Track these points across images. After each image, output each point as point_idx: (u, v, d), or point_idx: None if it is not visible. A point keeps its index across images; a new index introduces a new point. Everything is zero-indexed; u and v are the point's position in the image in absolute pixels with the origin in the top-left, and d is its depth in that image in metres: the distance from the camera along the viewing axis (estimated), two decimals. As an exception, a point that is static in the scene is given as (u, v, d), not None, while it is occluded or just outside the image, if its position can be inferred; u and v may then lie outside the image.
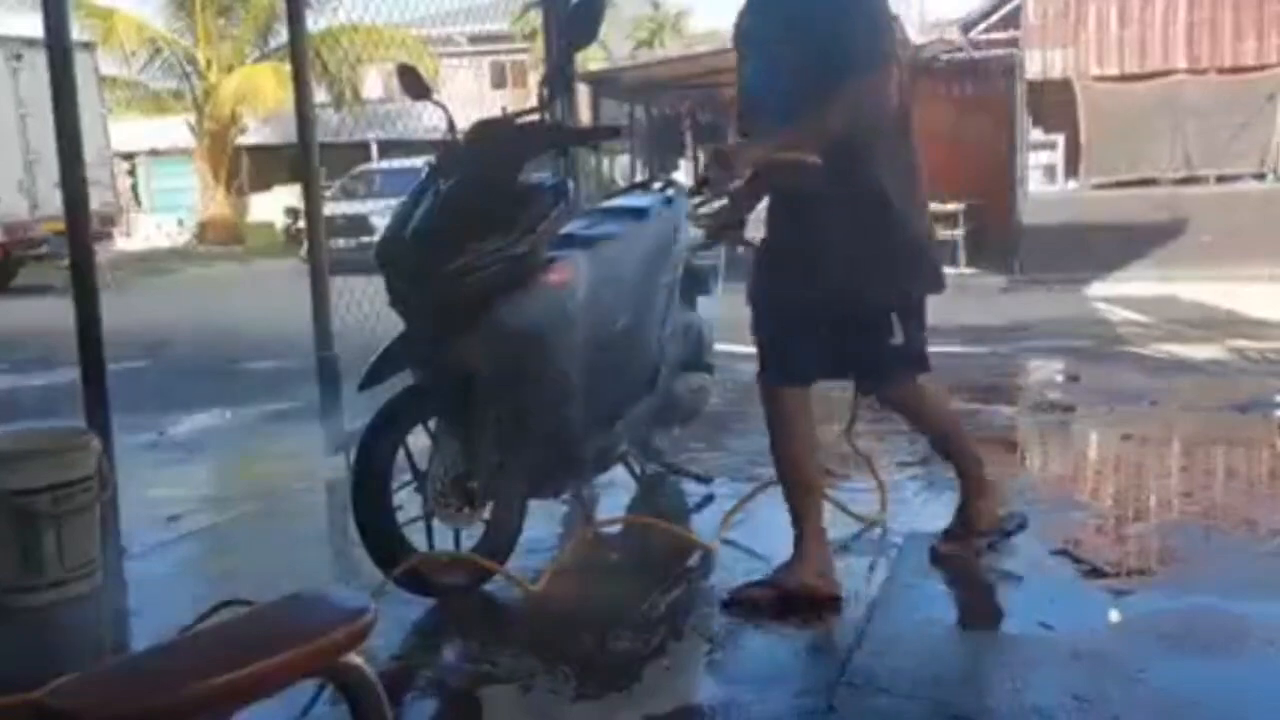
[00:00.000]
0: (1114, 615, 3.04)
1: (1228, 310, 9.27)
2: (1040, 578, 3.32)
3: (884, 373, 3.19)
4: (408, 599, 3.16)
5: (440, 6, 25.05)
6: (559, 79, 3.90)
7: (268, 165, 25.39)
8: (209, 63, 23.97)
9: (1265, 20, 13.26)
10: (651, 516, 3.89)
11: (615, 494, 4.25)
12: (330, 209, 7.75)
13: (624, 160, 17.02)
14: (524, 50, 27.14)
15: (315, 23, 14.51)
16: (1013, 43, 14.22)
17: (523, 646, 2.92)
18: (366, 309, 4.96)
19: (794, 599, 3.07)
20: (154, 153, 28.27)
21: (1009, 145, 13.80)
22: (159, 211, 28.21)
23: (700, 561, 3.55)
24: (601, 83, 15.38)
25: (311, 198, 5.05)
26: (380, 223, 12.30)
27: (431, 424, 3.28)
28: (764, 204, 3.26)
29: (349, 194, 19.08)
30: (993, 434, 5.33)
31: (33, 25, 4.51)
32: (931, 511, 3.91)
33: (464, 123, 3.34)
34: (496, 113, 3.36)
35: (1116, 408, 5.71)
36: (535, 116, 3.32)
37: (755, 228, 3.30)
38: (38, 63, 7.82)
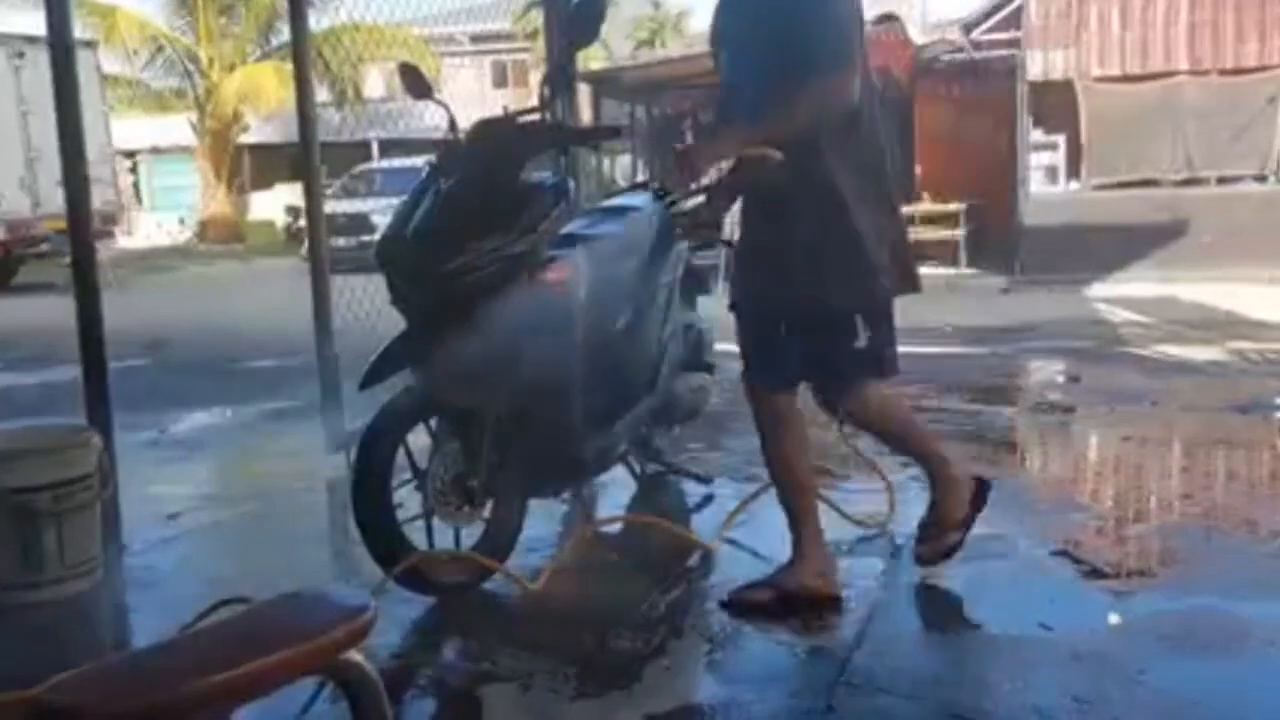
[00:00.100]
0: (1114, 616, 3.04)
1: (1228, 311, 9.27)
2: (1040, 578, 3.32)
3: (843, 377, 3.08)
4: (408, 597, 3.16)
5: (442, 5, 25.06)
6: (560, 78, 3.91)
7: (269, 164, 25.42)
8: (211, 61, 23.98)
9: (1267, 22, 13.24)
10: (651, 516, 3.89)
11: (615, 494, 4.25)
12: (331, 207, 7.75)
13: (624, 160, 17.02)
14: (525, 49, 27.15)
15: (317, 21, 14.53)
16: (1014, 43, 14.21)
17: (523, 646, 2.92)
18: (367, 308, 4.96)
19: (794, 600, 3.07)
20: (155, 151, 28.30)
21: (1010, 146, 13.79)
22: (160, 209, 28.24)
23: (700, 561, 3.55)
24: (602, 82, 15.38)
25: (312, 196, 5.05)
26: (381, 221, 12.32)
27: (432, 423, 3.28)
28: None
29: (350, 193, 19.09)
30: (993, 434, 5.33)
31: (35, 23, 4.51)
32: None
33: (465, 122, 3.34)
34: (498, 112, 3.36)
35: (1117, 408, 5.71)
36: (536, 116, 3.32)
37: (735, 228, 3.29)
38: (40, 61, 7.84)
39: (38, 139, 13.74)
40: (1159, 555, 3.64)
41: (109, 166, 15.86)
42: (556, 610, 3.20)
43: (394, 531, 3.18)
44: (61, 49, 3.71)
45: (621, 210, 3.86)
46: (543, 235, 3.24)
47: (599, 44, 16.89)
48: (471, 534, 3.34)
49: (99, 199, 7.78)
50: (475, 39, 28.91)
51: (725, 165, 3.13)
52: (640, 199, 3.96)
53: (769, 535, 3.39)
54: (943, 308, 10.52)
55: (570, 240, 3.47)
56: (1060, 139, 14.09)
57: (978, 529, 3.79)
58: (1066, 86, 13.71)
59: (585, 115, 12.41)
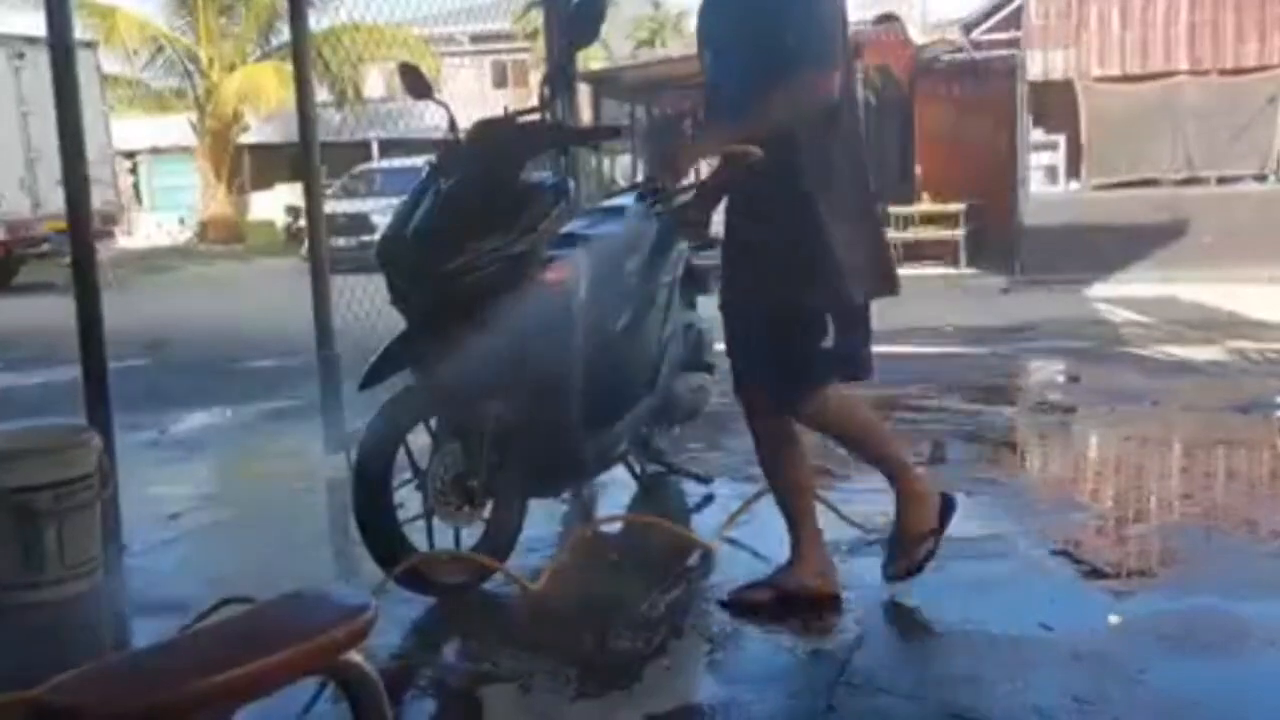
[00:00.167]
0: (1114, 616, 3.04)
1: (1228, 311, 9.27)
2: (1040, 578, 3.32)
3: (804, 378, 3.00)
4: (408, 598, 3.16)
5: (442, 5, 25.06)
6: (560, 78, 3.91)
7: (269, 164, 25.42)
8: (211, 61, 23.98)
9: (1267, 22, 13.24)
10: (651, 516, 3.89)
11: (615, 494, 4.25)
12: (331, 207, 7.76)
13: (625, 160, 17.02)
14: (525, 49, 27.14)
15: (317, 21, 14.51)
16: (1014, 43, 14.21)
17: (523, 646, 2.92)
18: (367, 308, 4.96)
19: (794, 600, 3.07)
20: (155, 151, 28.31)
21: (1010, 146, 13.80)
22: (160, 210, 28.25)
23: (700, 561, 3.55)
24: (602, 82, 15.38)
25: (312, 196, 5.05)
26: (381, 221, 12.32)
27: (432, 423, 3.28)
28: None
29: (350, 193, 19.10)
30: (993, 434, 5.33)
31: (35, 24, 4.51)
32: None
33: (465, 122, 3.34)
34: (498, 112, 3.36)
35: (1117, 408, 5.71)
36: (536, 116, 3.32)
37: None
38: (40, 61, 7.85)
39: (38, 139, 13.74)
40: (1159, 555, 3.64)
41: (109, 167, 15.86)
42: (556, 610, 3.20)
43: (394, 532, 3.18)
44: (61, 49, 3.71)
45: (621, 210, 3.86)
46: (543, 235, 3.24)
47: (599, 44, 16.88)
48: (472, 534, 3.34)
49: (99, 199, 7.77)
50: (475, 39, 28.92)
51: (711, 164, 3.13)
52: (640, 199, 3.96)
53: (769, 536, 3.39)
54: (943, 307, 10.52)
55: (570, 240, 3.47)
56: (1060, 139, 14.09)
57: (978, 528, 3.80)
58: (1066, 86, 13.71)
59: (585, 115, 12.41)
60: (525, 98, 12.95)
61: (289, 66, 5.68)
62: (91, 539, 3.39)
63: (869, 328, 3.13)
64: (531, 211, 3.21)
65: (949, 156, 14.77)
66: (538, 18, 18.35)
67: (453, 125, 3.32)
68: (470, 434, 3.22)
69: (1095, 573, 3.34)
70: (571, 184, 3.64)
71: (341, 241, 12.54)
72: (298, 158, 5.03)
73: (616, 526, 4.00)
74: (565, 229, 3.47)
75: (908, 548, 3.14)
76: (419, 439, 3.27)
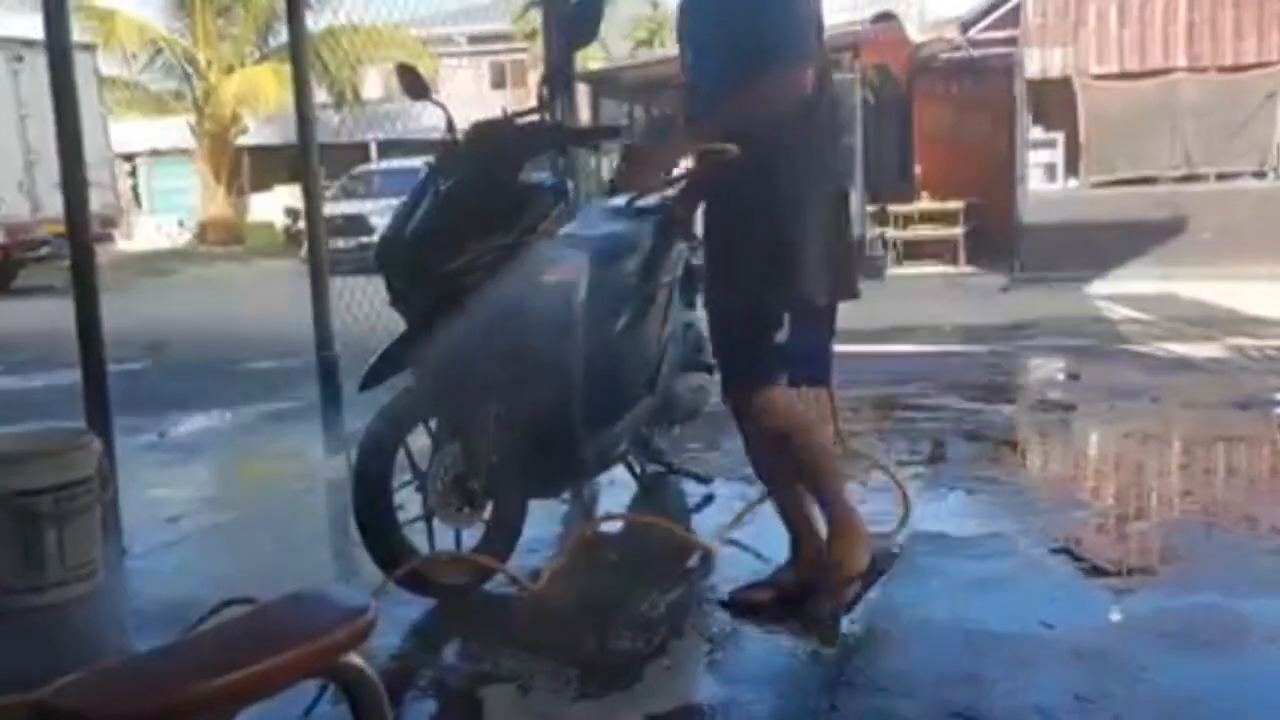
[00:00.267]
0: (1115, 614, 3.05)
1: (1228, 308, 9.28)
2: (1041, 576, 3.32)
3: (751, 370, 2.96)
4: (408, 599, 3.16)
5: (440, 6, 25.07)
6: (559, 79, 3.91)
7: (268, 165, 25.41)
8: (209, 63, 23.98)
9: (1265, 19, 13.25)
10: (651, 516, 3.89)
11: (615, 494, 4.26)
12: (330, 209, 7.75)
13: (624, 160, 16.99)
14: (523, 50, 27.14)
15: (315, 23, 14.52)
16: (1012, 41, 14.21)
17: (523, 647, 2.92)
18: (366, 309, 4.96)
19: (794, 600, 3.07)
20: (154, 153, 28.30)
21: (1009, 143, 13.81)
22: (159, 212, 28.24)
23: (700, 561, 3.55)
24: (601, 82, 15.39)
25: (311, 198, 5.06)
26: (380, 223, 12.29)
27: (431, 424, 3.29)
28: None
29: (349, 194, 19.10)
30: (993, 433, 5.33)
31: (33, 26, 4.51)
32: (933, 511, 3.92)
33: (463, 123, 3.34)
34: (496, 113, 3.36)
35: (1117, 405, 5.71)
36: (535, 116, 3.32)
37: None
38: (38, 64, 7.84)
39: (36, 142, 13.74)
40: (1160, 552, 3.64)
41: (108, 169, 15.86)
42: (557, 611, 3.20)
43: (394, 533, 3.18)
44: (60, 52, 3.71)
45: (621, 210, 3.86)
46: (542, 235, 3.24)
47: (597, 44, 16.88)
48: (472, 535, 3.34)
49: (98, 202, 7.78)
50: (473, 40, 28.92)
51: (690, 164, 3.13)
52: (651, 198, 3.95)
53: (770, 536, 3.39)
54: (942, 306, 10.53)
55: (570, 240, 3.47)
56: (1059, 136, 14.10)
57: (978, 528, 3.80)
58: (1065, 84, 13.72)
59: (584, 115, 12.42)
60: (523, 98, 12.96)
61: (287, 68, 5.67)
62: (92, 542, 3.39)
63: (832, 330, 3.12)
64: (530, 212, 3.21)
65: (948, 155, 14.79)
66: (536, 18, 18.34)
67: (451, 126, 3.32)
68: (470, 435, 3.22)
69: (1096, 570, 3.34)
70: (570, 184, 3.64)
71: (340, 243, 12.53)
72: (296, 159, 5.04)
73: (616, 526, 4.00)
74: (564, 229, 3.47)
75: (835, 588, 3.00)
76: (419, 440, 3.27)
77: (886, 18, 14.80)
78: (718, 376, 4.33)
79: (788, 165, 2.87)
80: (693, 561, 3.55)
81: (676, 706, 2.62)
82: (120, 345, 4.25)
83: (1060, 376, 7.28)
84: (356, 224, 15.92)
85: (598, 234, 3.61)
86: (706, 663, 2.86)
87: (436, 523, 3.25)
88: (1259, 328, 8.20)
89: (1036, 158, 14.13)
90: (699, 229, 3.32)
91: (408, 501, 3.25)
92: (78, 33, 5.70)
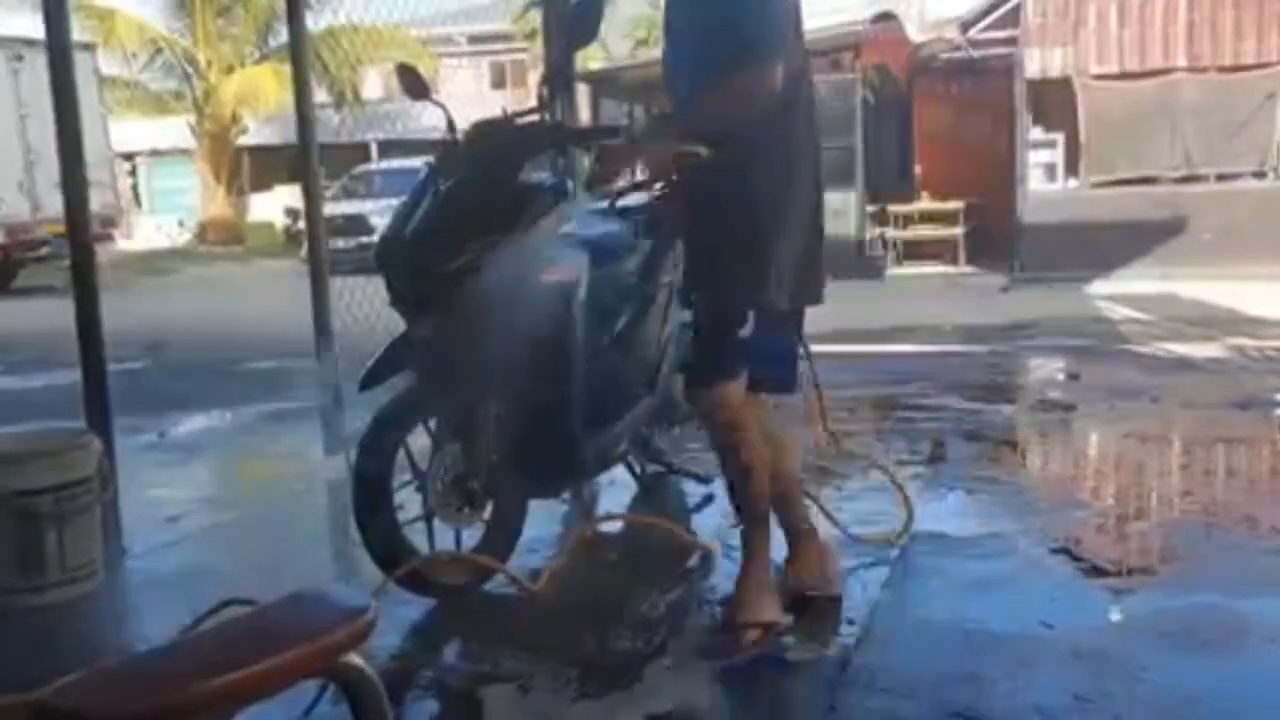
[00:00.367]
0: (1115, 614, 3.05)
1: (1228, 308, 9.28)
2: (1041, 576, 3.33)
3: (709, 362, 2.93)
4: (408, 599, 3.16)
5: (440, 6, 25.06)
6: (559, 78, 3.90)
7: (268, 165, 25.40)
8: (209, 63, 23.97)
9: (1265, 19, 13.25)
10: (651, 516, 3.89)
11: (615, 494, 4.26)
12: (330, 209, 7.75)
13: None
14: (523, 50, 27.13)
15: (315, 23, 14.51)
16: (1012, 41, 14.22)
17: (523, 647, 2.92)
18: (366, 309, 4.96)
19: (794, 600, 3.07)
20: (155, 153, 28.29)
21: (1009, 144, 13.82)
22: (159, 212, 28.23)
23: (700, 561, 3.55)
24: (601, 82, 15.38)
25: (311, 198, 5.05)
26: (380, 223, 12.28)
27: (431, 424, 3.29)
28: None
29: (349, 194, 19.09)
30: (993, 433, 5.33)
31: (33, 26, 4.51)
32: (933, 511, 3.92)
33: (463, 123, 3.34)
34: (496, 113, 3.36)
35: (1117, 406, 5.71)
36: (535, 116, 3.32)
37: None
38: (38, 63, 7.85)
39: (36, 142, 13.74)
40: (1159, 552, 3.65)
41: (108, 169, 15.85)
42: (557, 611, 3.20)
43: (394, 533, 3.18)
44: (60, 52, 3.71)
45: (621, 210, 3.86)
46: (543, 232, 3.24)
47: (597, 44, 16.88)
48: (472, 535, 3.34)
49: (98, 202, 7.77)
50: (473, 40, 28.90)
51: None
52: (639, 199, 3.95)
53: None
54: (942, 305, 10.53)
55: (570, 240, 3.46)
56: (1059, 137, 14.11)
57: (978, 528, 3.81)
58: (1065, 84, 13.73)
59: (584, 115, 12.42)
60: (523, 98, 12.96)
61: (287, 68, 5.67)
62: (92, 542, 3.39)
63: (799, 335, 3.11)
64: (530, 212, 3.21)
65: (948, 155, 14.79)
66: (536, 18, 18.34)
67: (451, 126, 3.31)
68: (470, 435, 3.22)
69: (1096, 570, 3.34)
70: (570, 184, 3.64)
71: (340, 243, 12.53)
72: (296, 159, 5.03)
73: (616, 526, 4.00)
74: (564, 229, 3.46)
75: (731, 635, 2.90)
76: (419, 440, 3.27)
77: (886, 18, 14.80)
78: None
79: (758, 165, 2.85)
80: (693, 561, 3.55)
81: (676, 706, 2.62)
82: (120, 345, 4.25)
83: (1060, 376, 7.29)
84: (356, 224, 15.91)
85: (597, 234, 3.61)
86: (706, 663, 2.86)
87: (436, 523, 3.25)
88: (1259, 328, 8.20)
89: (1036, 158, 14.14)
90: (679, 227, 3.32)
91: (408, 501, 3.25)
92: (78, 32, 5.70)
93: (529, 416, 3.23)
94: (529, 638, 2.99)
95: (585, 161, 3.65)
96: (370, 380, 3.23)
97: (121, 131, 20.65)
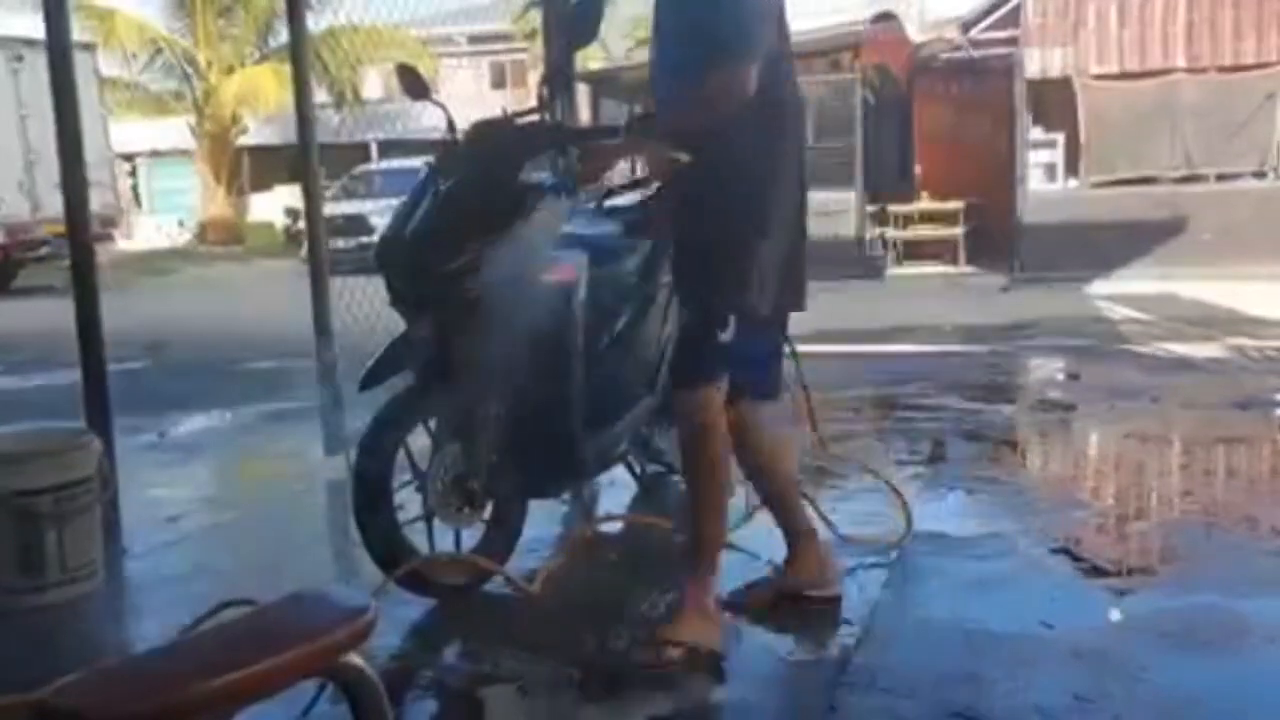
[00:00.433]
0: (1115, 614, 3.05)
1: (1228, 308, 9.28)
2: (1041, 576, 3.33)
3: (690, 365, 2.90)
4: (408, 599, 3.16)
5: (440, 6, 25.06)
6: (559, 78, 3.90)
7: (268, 165, 25.40)
8: (209, 64, 23.97)
9: (1265, 19, 13.26)
10: (652, 516, 3.89)
11: (615, 494, 4.25)
12: (330, 209, 7.75)
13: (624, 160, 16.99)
14: (523, 50, 27.12)
15: (315, 23, 14.50)
16: (1012, 41, 14.23)
17: (523, 647, 2.92)
18: (366, 309, 4.96)
19: (794, 600, 3.07)
20: (154, 154, 28.29)
21: (1009, 144, 13.82)
22: (159, 212, 28.23)
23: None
24: (601, 82, 15.39)
25: (311, 198, 5.05)
26: (380, 223, 12.27)
27: (431, 424, 3.29)
28: None
29: (349, 194, 19.09)
30: (993, 433, 5.33)
31: (33, 26, 4.51)
32: (933, 511, 3.92)
33: (463, 123, 3.34)
34: (496, 113, 3.36)
35: (1117, 406, 5.71)
36: (535, 116, 3.32)
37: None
38: (38, 64, 7.86)
39: (36, 142, 13.74)
40: (1159, 552, 3.65)
41: (108, 169, 15.85)
42: (557, 611, 3.20)
43: (394, 533, 3.18)
44: (60, 52, 3.71)
45: (621, 210, 3.86)
46: (543, 231, 3.24)
47: (597, 44, 16.87)
48: (472, 535, 3.34)
49: (98, 202, 7.78)
50: (473, 40, 28.90)
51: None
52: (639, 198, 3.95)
53: (770, 536, 3.39)
54: (942, 306, 10.53)
55: (570, 240, 3.47)
56: (1059, 137, 14.12)
57: (978, 528, 3.81)
58: (1065, 84, 13.74)
59: (584, 115, 12.42)
60: (523, 98, 12.97)
61: (287, 68, 5.67)
62: (92, 542, 3.39)
63: (782, 341, 3.10)
64: (530, 212, 3.21)
65: (948, 155, 14.80)
66: (536, 18, 18.35)
67: (451, 126, 3.31)
68: (470, 435, 3.22)
69: (1096, 570, 3.34)
70: (571, 184, 3.64)
71: (341, 243, 12.53)
72: (296, 159, 5.03)
73: (616, 526, 4.00)
74: (565, 229, 3.46)
75: (654, 643, 2.83)
76: (419, 440, 3.27)
77: (886, 18, 14.82)
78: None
79: (742, 168, 2.81)
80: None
81: (677, 707, 2.62)
82: (120, 345, 4.25)
83: (1060, 376, 7.28)
84: (356, 224, 15.91)
85: (597, 234, 3.61)
86: (706, 663, 2.85)
87: (436, 523, 3.25)
88: (1259, 328, 8.20)
89: (1036, 158, 14.15)
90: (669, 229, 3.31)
91: (408, 501, 3.25)
92: (78, 33, 5.71)
93: (529, 416, 3.24)
94: (529, 639, 2.99)
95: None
96: (370, 380, 3.23)
97: (121, 132, 20.65)
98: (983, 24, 15.40)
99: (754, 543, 3.56)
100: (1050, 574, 3.34)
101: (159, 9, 24.16)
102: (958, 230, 14.19)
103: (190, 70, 24.06)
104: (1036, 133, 14.08)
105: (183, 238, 25.89)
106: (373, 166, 21.27)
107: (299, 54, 5.11)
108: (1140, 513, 4.15)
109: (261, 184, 26.51)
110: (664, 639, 2.81)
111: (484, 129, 3.28)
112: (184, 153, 26.20)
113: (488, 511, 3.32)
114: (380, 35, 17.75)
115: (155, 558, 3.82)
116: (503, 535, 3.35)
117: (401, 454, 3.22)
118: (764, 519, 3.60)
